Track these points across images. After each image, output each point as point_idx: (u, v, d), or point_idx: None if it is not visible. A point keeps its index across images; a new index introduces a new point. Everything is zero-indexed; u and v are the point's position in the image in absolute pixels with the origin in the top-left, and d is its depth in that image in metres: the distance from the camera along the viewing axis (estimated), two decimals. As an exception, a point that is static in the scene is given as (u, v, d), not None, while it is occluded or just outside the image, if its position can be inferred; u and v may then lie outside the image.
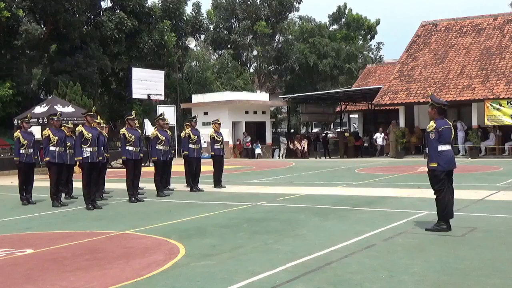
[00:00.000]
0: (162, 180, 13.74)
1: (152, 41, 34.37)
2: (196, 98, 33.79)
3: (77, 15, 31.55)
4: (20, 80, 29.92)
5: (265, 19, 46.78)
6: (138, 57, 34.93)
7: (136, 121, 13.01)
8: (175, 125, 30.22)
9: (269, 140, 34.35)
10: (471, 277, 5.57)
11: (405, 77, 27.99)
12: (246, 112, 32.85)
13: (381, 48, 56.37)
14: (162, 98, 32.50)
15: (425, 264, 6.07)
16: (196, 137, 14.28)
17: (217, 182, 14.56)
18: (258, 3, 47.64)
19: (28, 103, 28.44)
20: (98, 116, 13.07)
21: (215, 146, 14.60)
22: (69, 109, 23.01)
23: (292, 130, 41.22)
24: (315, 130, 51.25)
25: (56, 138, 12.09)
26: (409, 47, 30.06)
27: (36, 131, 26.21)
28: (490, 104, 24.20)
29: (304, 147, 32.88)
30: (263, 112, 34.12)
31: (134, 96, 31.70)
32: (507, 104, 23.89)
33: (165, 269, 6.18)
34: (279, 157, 32.89)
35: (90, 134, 11.52)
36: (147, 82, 31.31)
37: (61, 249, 7.55)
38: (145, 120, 28.16)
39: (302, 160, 29.72)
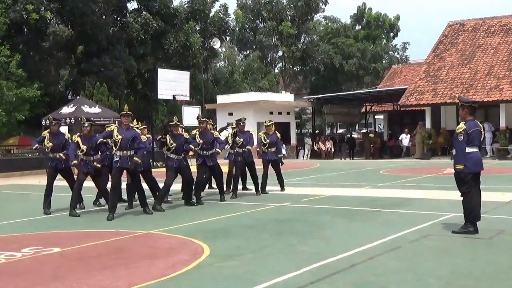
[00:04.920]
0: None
1: (178, 42, 34.53)
2: (221, 99, 33.87)
3: (104, 17, 31.89)
4: (48, 81, 30.37)
5: (290, 20, 46.72)
6: (163, 58, 35.13)
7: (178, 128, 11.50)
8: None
9: (293, 141, 34.23)
10: (499, 281, 5.49)
11: (432, 77, 27.68)
12: (271, 113, 32.75)
13: (407, 48, 55.44)
14: (187, 98, 32.57)
15: (452, 267, 6.00)
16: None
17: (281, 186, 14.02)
18: (284, 3, 47.59)
19: (56, 104, 28.85)
20: (135, 120, 11.61)
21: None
22: (96, 109, 23.33)
23: (316, 131, 41.05)
24: (340, 131, 50.98)
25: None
26: (435, 47, 29.72)
27: (63, 131, 26.70)
28: (519, 105, 23.82)
29: (330, 148, 32.71)
30: (288, 113, 34.04)
31: (159, 96, 31.79)
32: (536, 105, 23.48)
33: (190, 269, 6.22)
34: (303, 158, 32.80)
35: (119, 136, 10.22)
36: (172, 83, 31.38)
37: (87, 248, 7.65)
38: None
39: (326, 161, 29.58)
